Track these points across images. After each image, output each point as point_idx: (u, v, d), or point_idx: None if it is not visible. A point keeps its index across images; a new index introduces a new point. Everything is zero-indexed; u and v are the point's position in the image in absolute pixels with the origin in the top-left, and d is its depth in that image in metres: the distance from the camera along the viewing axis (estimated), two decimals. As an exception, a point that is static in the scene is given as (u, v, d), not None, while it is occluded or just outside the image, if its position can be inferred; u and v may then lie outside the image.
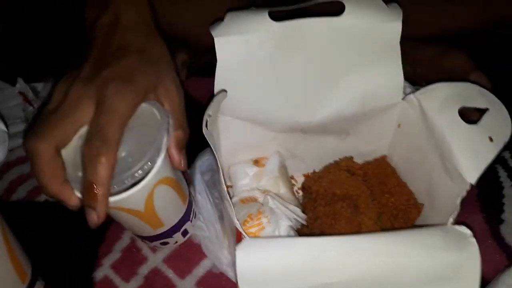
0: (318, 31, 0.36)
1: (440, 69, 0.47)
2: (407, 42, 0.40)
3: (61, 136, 0.33)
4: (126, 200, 0.33)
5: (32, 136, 0.33)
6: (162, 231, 0.39)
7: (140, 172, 0.32)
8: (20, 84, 0.57)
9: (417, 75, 0.48)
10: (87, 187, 0.31)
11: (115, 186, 0.32)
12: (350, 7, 0.35)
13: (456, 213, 0.31)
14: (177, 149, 0.35)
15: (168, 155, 0.35)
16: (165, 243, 0.42)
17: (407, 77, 0.39)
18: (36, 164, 0.32)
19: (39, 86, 0.58)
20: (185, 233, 0.42)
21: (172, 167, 0.36)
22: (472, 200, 0.43)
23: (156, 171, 0.33)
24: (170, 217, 0.39)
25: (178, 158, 0.35)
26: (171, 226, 0.39)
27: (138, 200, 0.34)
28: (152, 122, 0.35)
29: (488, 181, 0.44)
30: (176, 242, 0.42)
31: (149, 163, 0.33)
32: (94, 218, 0.32)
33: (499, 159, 0.44)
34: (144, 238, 0.41)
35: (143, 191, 0.33)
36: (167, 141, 0.34)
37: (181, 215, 0.40)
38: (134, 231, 0.40)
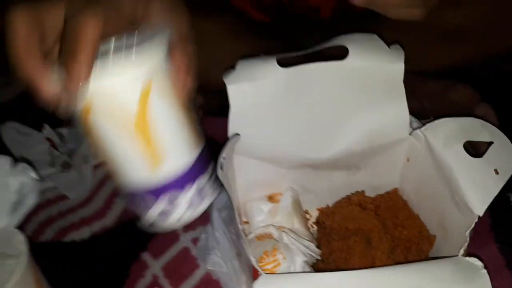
0: (324, 74, 0.38)
1: (447, 103, 0.49)
2: (414, 77, 0.41)
3: (48, 11, 0.28)
4: (115, 84, 0.27)
5: (17, 6, 0.28)
6: (166, 174, 0.29)
7: (139, 46, 0.27)
8: (47, 130, 0.61)
9: (424, 109, 0.49)
10: (67, 45, 0.26)
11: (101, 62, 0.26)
12: (353, 51, 0.38)
13: (466, 245, 0.32)
14: (183, 65, 0.30)
15: (173, 68, 0.29)
16: (166, 215, 0.31)
17: (415, 111, 0.41)
18: (14, 32, 0.27)
19: (64, 131, 0.62)
20: (201, 194, 0.31)
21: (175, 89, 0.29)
22: (485, 230, 0.43)
23: (160, 56, 0.27)
24: (175, 143, 0.29)
25: (184, 78, 0.30)
26: (180, 166, 0.29)
27: (131, 92, 0.27)
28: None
29: (501, 211, 0.45)
30: (184, 215, 0.31)
31: (150, 41, 0.28)
32: (75, 78, 0.26)
33: (511, 188, 0.45)
34: (139, 198, 0.30)
35: (138, 77, 0.27)
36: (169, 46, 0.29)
37: (195, 152, 0.31)
38: (124, 170, 0.29)
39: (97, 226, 0.52)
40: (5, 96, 0.71)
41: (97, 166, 0.58)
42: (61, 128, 0.62)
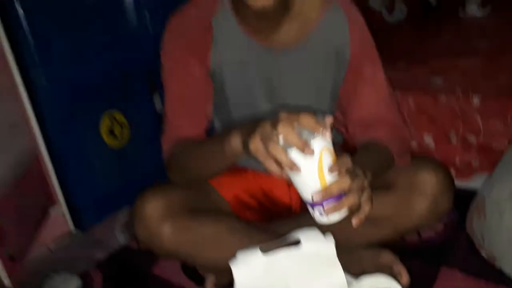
0: (288, 258, 0.64)
1: (376, 264, 0.74)
2: (356, 248, 0.67)
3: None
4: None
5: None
6: (325, 194, 0.56)
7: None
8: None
9: (362, 269, 0.74)
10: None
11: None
12: (303, 242, 0.64)
13: None
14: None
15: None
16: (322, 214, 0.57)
17: (356, 271, 0.65)
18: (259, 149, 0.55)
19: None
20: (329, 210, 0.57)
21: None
22: None
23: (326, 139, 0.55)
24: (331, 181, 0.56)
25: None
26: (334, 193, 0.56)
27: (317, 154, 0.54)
28: None
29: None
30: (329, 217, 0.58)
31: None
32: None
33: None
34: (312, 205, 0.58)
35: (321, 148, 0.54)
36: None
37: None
38: (306, 189, 0.57)
39: None
40: None
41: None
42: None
